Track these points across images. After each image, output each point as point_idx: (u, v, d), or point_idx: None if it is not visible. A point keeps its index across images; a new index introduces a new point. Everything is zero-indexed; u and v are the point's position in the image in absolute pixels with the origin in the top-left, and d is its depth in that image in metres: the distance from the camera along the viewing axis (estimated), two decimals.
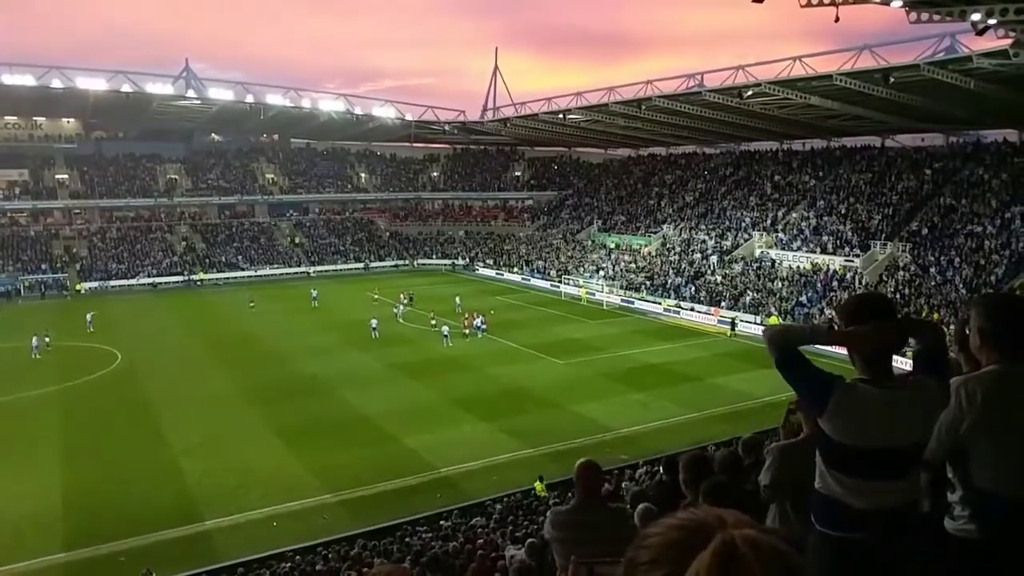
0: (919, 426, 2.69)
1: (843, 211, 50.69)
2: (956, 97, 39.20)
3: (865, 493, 2.72)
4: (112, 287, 61.31)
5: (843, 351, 2.83)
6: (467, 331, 41.21)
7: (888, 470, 2.73)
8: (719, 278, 50.38)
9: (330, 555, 16.15)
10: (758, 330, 38.29)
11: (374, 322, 41.43)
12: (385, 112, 75.74)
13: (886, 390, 2.71)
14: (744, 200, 59.41)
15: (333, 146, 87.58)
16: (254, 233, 74.50)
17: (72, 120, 75.77)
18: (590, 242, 66.59)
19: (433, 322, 42.48)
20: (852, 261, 44.99)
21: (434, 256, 76.22)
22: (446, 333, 39.30)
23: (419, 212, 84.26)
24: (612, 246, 63.60)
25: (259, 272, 68.01)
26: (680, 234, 59.69)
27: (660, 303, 50.01)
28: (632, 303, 51.66)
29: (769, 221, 54.51)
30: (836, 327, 2.94)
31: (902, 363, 3.00)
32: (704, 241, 56.58)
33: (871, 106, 44.69)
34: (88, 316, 44.19)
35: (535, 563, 8.01)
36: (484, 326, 41.63)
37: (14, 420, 27.85)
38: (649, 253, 59.11)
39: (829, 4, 22.97)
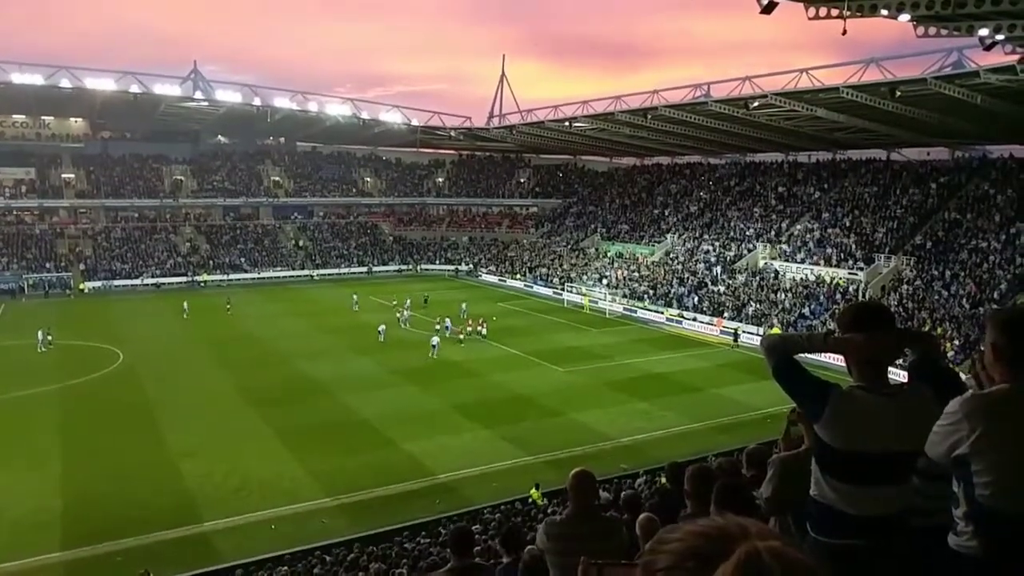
0: (914, 434, 2.68)
1: (848, 223, 50.64)
2: (962, 112, 39.18)
3: (859, 500, 2.73)
4: (116, 287, 61.45)
5: (842, 363, 2.82)
6: (462, 336, 41.41)
7: (882, 477, 2.74)
8: (722, 288, 50.31)
9: (328, 559, 16.13)
10: None
11: (382, 327, 41.54)
12: (391, 117, 75.85)
13: (882, 397, 2.72)
14: (749, 211, 59.36)
15: (339, 150, 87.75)
16: (258, 235, 74.65)
17: (79, 120, 76.13)
18: (594, 250, 66.58)
19: (437, 327, 42.53)
20: (856, 274, 44.92)
21: (437, 261, 76.23)
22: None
23: (423, 217, 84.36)
24: (615, 254, 63.61)
25: (262, 274, 68.14)
26: (684, 244, 59.68)
27: (663, 312, 49.94)
28: (635, 312, 51.57)
29: (773, 232, 54.47)
30: (834, 335, 2.91)
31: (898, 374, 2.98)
32: (708, 251, 56.53)
33: (877, 119, 44.65)
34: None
35: None
36: (453, 328, 42.60)
37: (16, 417, 27.89)
38: (653, 262, 59.11)
39: (837, 17, 22.96)
